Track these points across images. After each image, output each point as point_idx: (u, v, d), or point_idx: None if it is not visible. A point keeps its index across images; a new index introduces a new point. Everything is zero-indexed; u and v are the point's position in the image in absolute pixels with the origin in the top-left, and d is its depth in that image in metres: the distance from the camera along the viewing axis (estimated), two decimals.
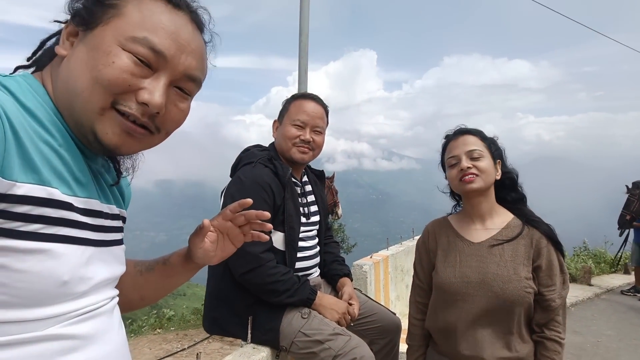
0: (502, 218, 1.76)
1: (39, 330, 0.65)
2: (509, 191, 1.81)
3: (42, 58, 0.80)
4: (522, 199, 1.82)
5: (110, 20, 0.72)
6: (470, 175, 1.68)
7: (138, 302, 1.03)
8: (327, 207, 2.49)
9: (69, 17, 0.76)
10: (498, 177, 1.75)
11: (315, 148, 2.11)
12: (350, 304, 2.09)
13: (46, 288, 0.65)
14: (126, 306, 0.98)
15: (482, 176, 1.68)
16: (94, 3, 0.74)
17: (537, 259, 1.65)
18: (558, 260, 1.67)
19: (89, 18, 0.73)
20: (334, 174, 7.17)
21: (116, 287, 0.91)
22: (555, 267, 1.65)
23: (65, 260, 0.67)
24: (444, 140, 1.84)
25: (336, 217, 7.24)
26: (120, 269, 0.85)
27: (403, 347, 2.94)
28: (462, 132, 1.78)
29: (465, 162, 1.69)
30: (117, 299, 0.84)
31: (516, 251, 1.67)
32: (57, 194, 0.66)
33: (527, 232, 1.70)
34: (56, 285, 0.66)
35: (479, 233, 1.75)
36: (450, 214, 1.94)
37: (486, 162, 1.70)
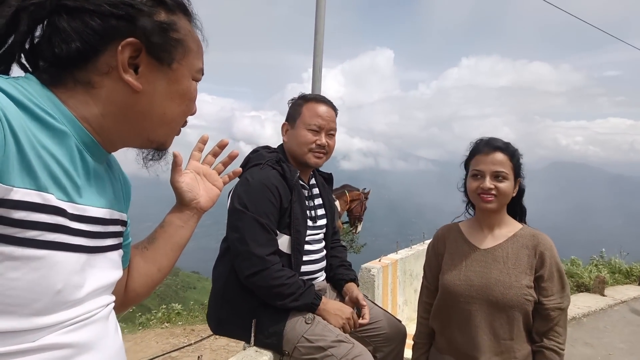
0: (510, 227, 1.80)
1: (31, 341, 0.63)
2: (514, 204, 1.83)
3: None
4: (522, 213, 1.87)
5: (184, 57, 0.82)
6: (490, 197, 1.71)
7: (157, 274, 1.04)
8: (334, 211, 2.46)
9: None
10: (514, 195, 1.77)
11: (329, 152, 2.12)
12: (362, 305, 2.10)
13: (39, 297, 0.63)
14: (148, 284, 1.03)
15: (500, 197, 1.71)
16: (170, 41, 0.79)
17: (540, 269, 1.70)
18: (560, 272, 1.70)
19: (170, 55, 0.80)
20: (369, 191, 7.27)
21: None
22: (557, 279, 1.69)
23: (60, 268, 0.66)
24: (473, 146, 1.82)
25: (354, 232, 7.26)
26: (116, 274, 0.83)
27: (408, 353, 2.91)
28: (494, 148, 1.74)
29: (489, 183, 1.70)
30: (112, 304, 0.83)
31: (519, 260, 1.71)
32: (52, 199, 0.65)
33: (532, 242, 1.73)
34: (50, 293, 0.65)
35: (487, 240, 1.80)
36: (460, 219, 1.96)
37: (508, 184, 1.71)
